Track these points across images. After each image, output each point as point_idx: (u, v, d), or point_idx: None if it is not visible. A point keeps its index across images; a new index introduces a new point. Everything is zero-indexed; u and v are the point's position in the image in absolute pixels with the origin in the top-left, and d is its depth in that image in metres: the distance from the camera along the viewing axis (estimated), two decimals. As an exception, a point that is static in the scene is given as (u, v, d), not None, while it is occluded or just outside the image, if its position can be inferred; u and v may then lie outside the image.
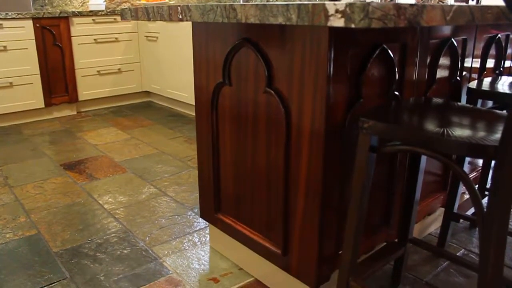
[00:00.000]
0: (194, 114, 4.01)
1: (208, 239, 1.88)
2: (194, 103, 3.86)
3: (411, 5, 0.77)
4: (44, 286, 1.57)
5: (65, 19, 3.78)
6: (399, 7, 0.74)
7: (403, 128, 1.02)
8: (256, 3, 0.90)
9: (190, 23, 3.67)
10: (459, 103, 1.27)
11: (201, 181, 1.73)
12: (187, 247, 1.82)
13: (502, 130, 0.93)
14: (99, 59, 4.08)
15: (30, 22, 3.57)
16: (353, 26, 0.71)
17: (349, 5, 0.71)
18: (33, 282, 1.59)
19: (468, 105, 1.26)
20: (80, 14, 3.85)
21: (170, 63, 4.01)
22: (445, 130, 0.99)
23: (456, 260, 1.40)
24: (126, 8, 1.40)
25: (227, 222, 1.64)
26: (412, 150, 1.03)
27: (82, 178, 2.55)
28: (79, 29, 3.90)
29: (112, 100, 4.34)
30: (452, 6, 0.87)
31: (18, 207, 2.18)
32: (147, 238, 1.89)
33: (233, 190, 1.59)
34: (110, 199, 2.26)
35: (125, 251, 1.79)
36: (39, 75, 3.71)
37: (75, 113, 4.08)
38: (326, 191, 1.25)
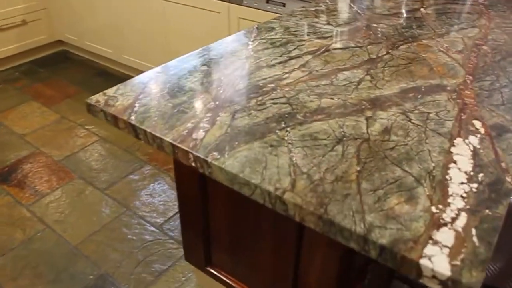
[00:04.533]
0: (122, 71, 3.63)
1: (192, 273, 1.88)
2: (120, 61, 3.46)
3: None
4: None
5: None
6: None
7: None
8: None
9: (107, -30, 3.11)
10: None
11: (185, 230, 1.66)
12: (174, 288, 1.82)
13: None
14: (-4, 12, 3.39)
15: None
16: None
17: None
18: None
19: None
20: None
21: (86, 9, 3.46)
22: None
23: None
24: (95, 105, 1.13)
25: (220, 277, 1.64)
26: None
27: (26, 195, 2.30)
28: (-37, -22, 3.13)
29: (21, 57, 3.74)
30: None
31: (-35, 255, 1.95)
32: (131, 282, 1.84)
33: (228, 246, 1.56)
34: (70, 228, 2.10)
35: (111, 306, 1.74)
36: None
37: (-21, 79, 3.48)
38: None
